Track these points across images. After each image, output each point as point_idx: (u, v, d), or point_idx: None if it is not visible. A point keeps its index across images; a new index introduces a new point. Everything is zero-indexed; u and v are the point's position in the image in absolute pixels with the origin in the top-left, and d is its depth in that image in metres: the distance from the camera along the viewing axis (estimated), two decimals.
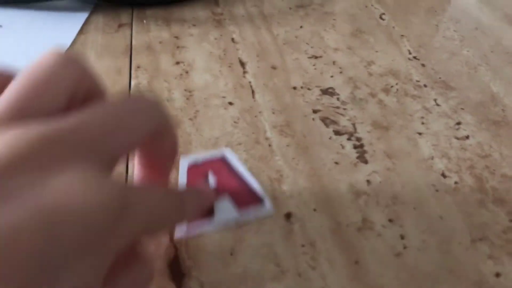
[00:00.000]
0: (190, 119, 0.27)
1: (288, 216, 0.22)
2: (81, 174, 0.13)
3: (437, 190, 0.24)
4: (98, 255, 0.13)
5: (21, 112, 0.13)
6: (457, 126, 0.28)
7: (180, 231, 0.21)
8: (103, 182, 0.13)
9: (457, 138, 0.27)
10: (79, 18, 0.34)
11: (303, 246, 0.21)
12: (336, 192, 0.24)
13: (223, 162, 0.24)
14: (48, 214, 0.11)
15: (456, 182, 0.25)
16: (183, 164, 0.24)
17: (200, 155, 0.25)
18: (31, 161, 0.12)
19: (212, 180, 0.23)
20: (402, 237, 0.22)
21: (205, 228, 0.22)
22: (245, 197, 0.23)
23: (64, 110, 0.14)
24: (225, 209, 0.22)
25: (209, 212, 0.22)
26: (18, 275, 0.11)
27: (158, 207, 0.16)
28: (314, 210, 0.23)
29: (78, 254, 0.12)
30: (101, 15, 0.35)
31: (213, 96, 0.29)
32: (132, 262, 0.16)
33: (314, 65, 0.32)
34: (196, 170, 0.24)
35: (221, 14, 0.36)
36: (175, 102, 0.28)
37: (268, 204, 0.23)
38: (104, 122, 0.14)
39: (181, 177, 0.24)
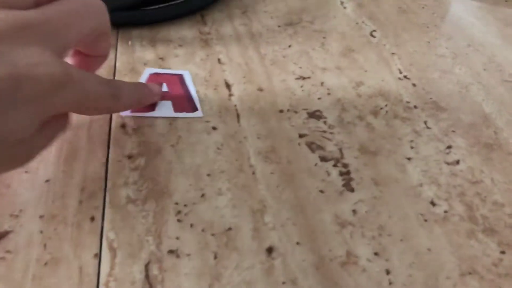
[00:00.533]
0: (172, 145, 0.26)
1: (269, 250, 0.22)
2: (41, 51, 0.18)
3: (425, 220, 0.23)
4: (40, 106, 0.18)
5: (2, 4, 0.18)
6: (447, 150, 0.27)
7: (126, 111, 0.27)
8: (55, 59, 0.19)
9: (448, 163, 0.26)
10: None
11: (284, 283, 0.20)
12: (320, 223, 0.23)
13: (179, 78, 0.31)
14: (14, 71, 0.17)
15: (445, 211, 0.24)
16: (146, 72, 0.31)
17: (162, 70, 0.31)
18: (8, 36, 0.17)
19: (164, 88, 0.30)
20: (388, 272, 0.21)
21: (145, 115, 0.28)
22: (184, 105, 0.29)
23: (33, 7, 0.19)
24: (165, 108, 0.28)
25: (152, 107, 0.28)
26: None
27: (94, 90, 0.21)
28: (297, 243, 0.22)
29: (27, 101, 0.17)
30: None
31: (196, 120, 0.28)
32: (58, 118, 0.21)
33: (301, 86, 0.31)
34: (154, 78, 0.30)
35: (209, 33, 0.36)
36: (156, 127, 0.27)
37: (200, 112, 0.28)
38: (63, 18, 0.19)
39: (140, 80, 0.30)
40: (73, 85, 0.19)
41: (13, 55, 0.17)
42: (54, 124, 0.21)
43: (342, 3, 0.41)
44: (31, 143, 0.19)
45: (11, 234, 0.21)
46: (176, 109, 0.28)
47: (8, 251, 0.21)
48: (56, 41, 0.19)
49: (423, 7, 0.41)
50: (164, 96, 0.29)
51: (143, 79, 0.30)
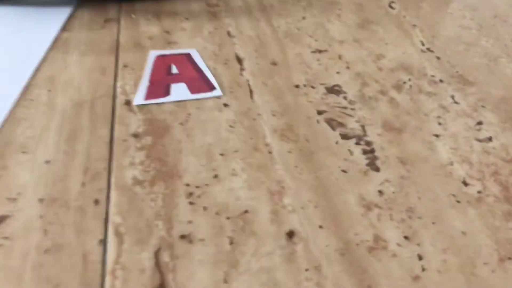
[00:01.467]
0: (181, 123, 0.24)
1: (290, 234, 0.20)
2: None
3: (458, 201, 0.21)
4: None
5: None
6: (478, 126, 0.25)
7: (139, 99, 0.25)
8: None
9: (479, 140, 0.24)
10: (63, 13, 0.32)
11: (307, 270, 0.19)
12: (344, 205, 0.21)
13: (188, 57, 0.28)
14: None
15: (479, 191, 0.22)
16: (151, 55, 0.28)
17: (168, 50, 0.29)
18: None
19: (175, 70, 0.27)
20: (420, 258, 0.19)
21: (161, 101, 0.25)
22: (200, 85, 0.26)
23: None
24: (181, 91, 0.26)
25: (166, 91, 0.26)
26: None
27: None
28: (320, 227, 0.20)
29: None
30: (86, 9, 0.32)
31: (206, 97, 0.26)
32: None
33: (318, 60, 0.29)
34: (162, 60, 0.28)
35: (217, 5, 0.33)
36: (164, 104, 0.25)
37: (219, 90, 0.26)
38: None
39: (147, 65, 0.28)
40: None
41: None
42: None
43: None
44: None
45: (8, 219, 0.20)
46: (193, 91, 0.26)
47: (6, 237, 0.19)
48: None
49: None
50: (177, 79, 0.27)
51: (149, 63, 0.28)
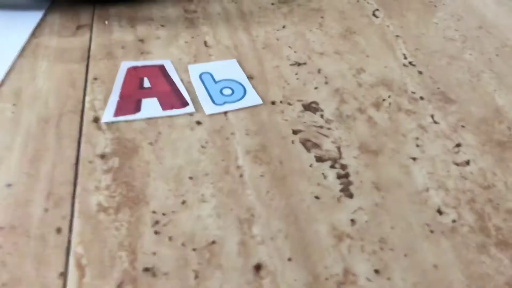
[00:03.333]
0: (151, 143, 0.24)
1: (257, 268, 0.19)
2: None
3: (431, 231, 0.21)
4: None
5: None
6: (456, 149, 0.25)
7: (108, 116, 0.24)
8: None
9: (456, 164, 0.24)
10: (33, 18, 0.30)
11: None
12: (315, 235, 0.20)
13: (161, 70, 0.27)
14: None
15: (454, 221, 0.21)
16: (123, 67, 0.27)
17: (140, 62, 0.28)
18: None
19: (147, 84, 0.26)
20: None
21: (130, 118, 0.24)
22: (172, 100, 0.25)
23: None
24: (151, 107, 0.25)
25: (137, 108, 0.25)
26: None
27: None
28: (289, 259, 0.20)
29: None
30: (57, 14, 0.31)
31: (178, 113, 0.25)
32: None
33: (296, 74, 0.28)
34: (133, 73, 0.27)
35: (195, 11, 0.32)
36: (134, 122, 0.24)
37: (191, 107, 0.25)
38: None
39: (118, 78, 0.26)
40: None
41: None
42: None
43: None
44: None
45: None
46: (164, 107, 0.25)
47: None
48: None
49: None
50: (148, 94, 0.26)
51: (120, 75, 0.27)
